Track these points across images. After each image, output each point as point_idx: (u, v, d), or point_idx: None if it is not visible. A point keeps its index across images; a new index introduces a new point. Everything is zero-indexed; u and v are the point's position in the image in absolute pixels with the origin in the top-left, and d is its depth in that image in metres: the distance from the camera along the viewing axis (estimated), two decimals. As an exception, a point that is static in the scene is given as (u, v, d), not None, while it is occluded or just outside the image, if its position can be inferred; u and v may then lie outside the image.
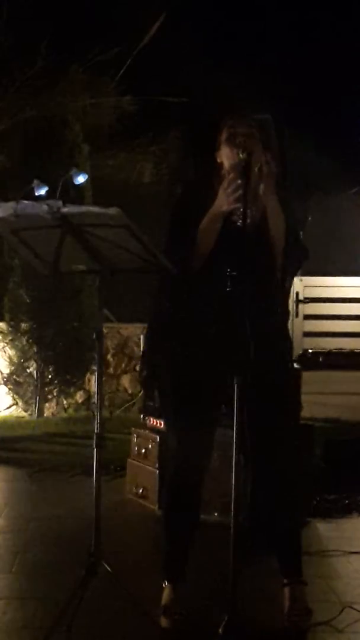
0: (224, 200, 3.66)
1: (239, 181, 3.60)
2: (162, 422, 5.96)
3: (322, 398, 9.00)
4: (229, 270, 3.65)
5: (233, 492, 3.43)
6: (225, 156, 3.83)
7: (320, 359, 8.73)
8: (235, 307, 3.47)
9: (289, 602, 3.87)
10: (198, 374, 3.76)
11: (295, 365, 6.24)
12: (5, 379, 11.05)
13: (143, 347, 4.19)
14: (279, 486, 3.89)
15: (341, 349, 9.71)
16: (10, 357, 11.01)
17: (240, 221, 3.53)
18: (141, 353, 4.23)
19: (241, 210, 3.53)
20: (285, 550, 3.99)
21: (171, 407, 4.00)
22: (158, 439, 5.91)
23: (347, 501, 5.99)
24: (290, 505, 3.98)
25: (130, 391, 11.44)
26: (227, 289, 3.65)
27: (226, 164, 3.84)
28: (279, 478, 3.87)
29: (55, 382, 11.07)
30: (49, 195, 9.51)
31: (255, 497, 4.53)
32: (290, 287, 4.13)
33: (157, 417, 6.07)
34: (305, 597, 3.90)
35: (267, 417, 3.78)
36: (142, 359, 4.19)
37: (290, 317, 10.77)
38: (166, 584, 3.90)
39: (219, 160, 3.89)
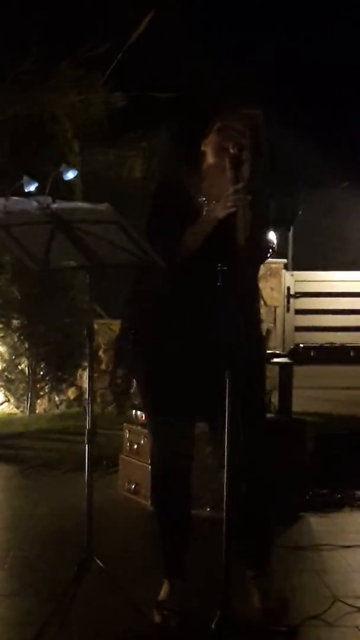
0: (221, 211, 3.62)
1: (234, 189, 3.58)
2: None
3: (314, 392, 9.02)
4: (219, 265, 3.62)
5: (225, 487, 3.43)
6: (213, 148, 3.80)
7: (312, 354, 8.72)
8: (226, 302, 3.46)
9: (258, 596, 3.85)
10: (174, 368, 3.74)
11: (287, 360, 6.24)
12: (-4, 376, 11.05)
13: (116, 344, 4.15)
14: (248, 482, 3.83)
15: (333, 343, 9.71)
16: (1, 354, 11.01)
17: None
18: (114, 349, 4.19)
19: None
20: (254, 541, 3.94)
21: (149, 402, 3.98)
22: (150, 435, 5.91)
23: (339, 495, 6.01)
24: (259, 500, 3.92)
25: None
26: (218, 284, 3.61)
27: (211, 156, 3.81)
28: (247, 473, 3.80)
29: (47, 378, 11.06)
30: (38, 191, 9.49)
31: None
32: (257, 280, 4.10)
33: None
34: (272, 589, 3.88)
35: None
36: (116, 355, 4.14)
37: (282, 312, 10.79)
38: (165, 580, 3.90)
39: (202, 149, 3.86)
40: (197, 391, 3.68)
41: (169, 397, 3.78)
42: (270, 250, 3.97)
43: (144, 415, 5.64)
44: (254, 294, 3.98)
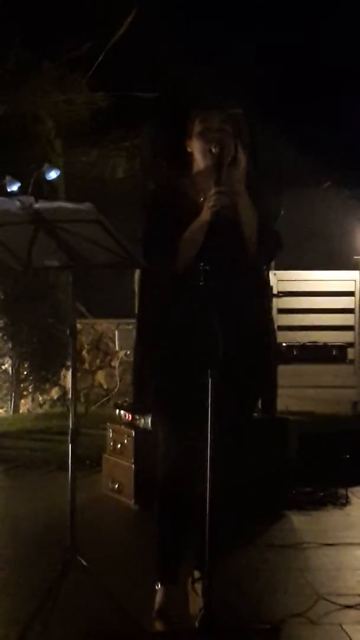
0: (207, 212, 3.63)
1: (216, 190, 3.58)
2: (142, 419, 5.97)
3: (296, 391, 9.04)
4: (202, 264, 3.62)
5: (208, 487, 3.43)
6: (197, 150, 3.82)
7: (295, 353, 8.78)
8: (207, 302, 3.46)
9: (199, 599, 3.74)
10: (182, 372, 3.73)
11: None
12: (-20, 376, 11.04)
13: (134, 349, 4.18)
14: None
15: (315, 342, 9.76)
16: (-16, 355, 11.00)
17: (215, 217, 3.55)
18: (133, 355, 4.21)
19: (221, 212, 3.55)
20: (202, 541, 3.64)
21: (162, 407, 3.95)
22: (133, 434, 5.92)
23: (321, 494, 6.03)
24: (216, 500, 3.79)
25: (105, 387, 11.45)
26: (200, 284, 3.60)
27: (198, 157, 3.83)
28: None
29: (31, 378, 11.06)
30: (21, 191, 9.50)
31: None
32: (268, 277, 4.11)
33: (143, 414, 6.04)
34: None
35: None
36: (134, 359, 4.16)
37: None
38: (159, 585, 3.81)
39: (189, 150, 3.88)
40: (196, 392, 3.63)
41: (176, 398, 3.76)
42: (280, 245, 3.97)
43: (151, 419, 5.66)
44: (256, 292, 3.96)
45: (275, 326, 4.37)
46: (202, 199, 3.69)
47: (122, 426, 6.16)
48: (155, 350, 3.88)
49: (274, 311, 10.12)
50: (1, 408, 10.98)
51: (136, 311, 4.10)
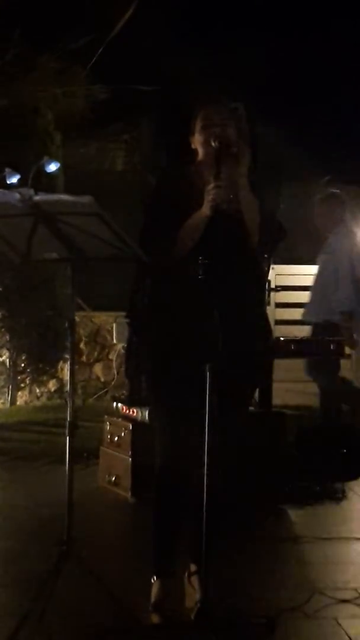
0: (206, 207, 3.63)
1: (214, 184, 3.58)
2: (140, 412, 5.96)
3: (294, 386, 9.03)
4: (201, 258, 3.62)
5: (205, 480, 3.43)
6: (200, 145, 3.83)
7: (292, 347, 8.74)
8: (206, 295, 3.46)
9: (197, 594, 3.76)
10: (179, 365, 3.72)
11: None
12: (-23, 368, 11.03)
13: (127, 340, 4.15)
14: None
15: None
16: (-19, 347, 10.99)
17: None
18: (125, 345, 4.18)
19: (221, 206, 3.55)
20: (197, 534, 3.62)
21: (159, 400, 3.94)
22: (131, 427, 5.91)
23: (319, 488, 6.03)
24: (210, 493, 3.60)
25: (103, 379, 11.45)
26: (199, 277, 3.59)
27: (200, 152, 3.84)
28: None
29: (28, 370, 11.05)
30: (20, 183, 9.49)
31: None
32: (268, 270, 4.11)
33: (139, 406, 6.02)
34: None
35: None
36: (127, 351, 4.13)
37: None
38: (155, 579, 3.82)
39: (193, 147, 3.88)
40: (193, 384, 3.61)
41: (173, 390, 3.75)
42: (282, 238, 3.97)
43: (148, 410, 5.64)
44: (253, 286, 3.95)
45: (273, 320, 4.38)
46: (202, 193, 3.69)
47: (120, 419, 6.16)
48: (153, 343, 3.88)
49: (272, 305, 10.13)
50: (-2, 400, 10.99)
51: (129, 302, 4.06)
